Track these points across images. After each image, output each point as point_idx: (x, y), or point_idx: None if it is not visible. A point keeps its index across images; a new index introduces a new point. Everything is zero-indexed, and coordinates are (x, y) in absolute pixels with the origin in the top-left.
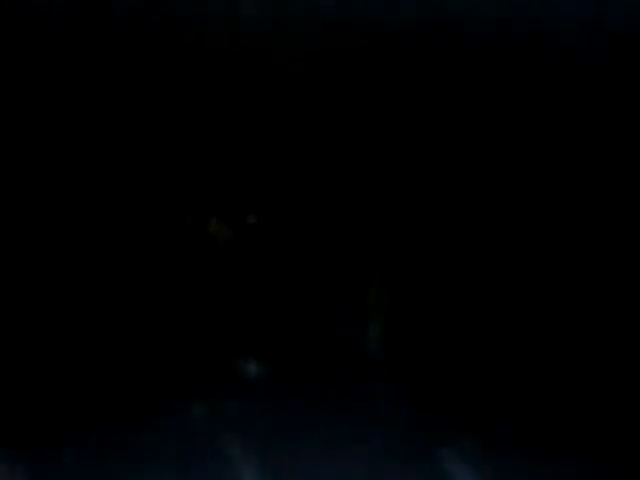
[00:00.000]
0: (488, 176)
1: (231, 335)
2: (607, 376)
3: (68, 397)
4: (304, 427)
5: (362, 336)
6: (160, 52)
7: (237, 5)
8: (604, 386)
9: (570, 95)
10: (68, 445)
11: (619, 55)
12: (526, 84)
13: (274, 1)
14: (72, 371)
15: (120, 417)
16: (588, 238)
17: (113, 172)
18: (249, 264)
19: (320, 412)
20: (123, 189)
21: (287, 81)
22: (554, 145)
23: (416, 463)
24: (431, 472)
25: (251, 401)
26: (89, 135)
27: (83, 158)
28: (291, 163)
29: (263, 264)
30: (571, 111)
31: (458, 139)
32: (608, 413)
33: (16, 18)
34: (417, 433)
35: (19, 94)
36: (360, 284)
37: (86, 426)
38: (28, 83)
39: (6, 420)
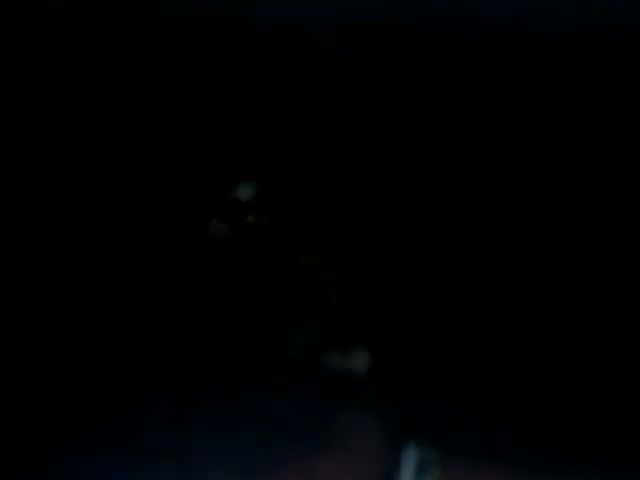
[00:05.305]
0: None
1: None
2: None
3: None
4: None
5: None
6: (156, 52)
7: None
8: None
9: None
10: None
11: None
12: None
13: None
14: (71, 371)
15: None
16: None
17: (114, 171)
18: (251, 265)
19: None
20: (132, 185)
21: (290, 79)
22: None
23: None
24: None
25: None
26: (91, 135)
27: (85, 158)
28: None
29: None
30: None
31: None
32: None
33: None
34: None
35: (24, 94)
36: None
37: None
38: (30, 84)
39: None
